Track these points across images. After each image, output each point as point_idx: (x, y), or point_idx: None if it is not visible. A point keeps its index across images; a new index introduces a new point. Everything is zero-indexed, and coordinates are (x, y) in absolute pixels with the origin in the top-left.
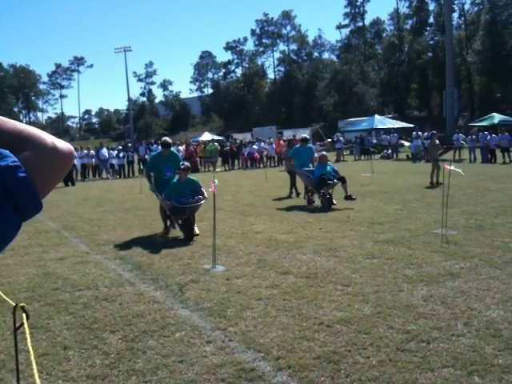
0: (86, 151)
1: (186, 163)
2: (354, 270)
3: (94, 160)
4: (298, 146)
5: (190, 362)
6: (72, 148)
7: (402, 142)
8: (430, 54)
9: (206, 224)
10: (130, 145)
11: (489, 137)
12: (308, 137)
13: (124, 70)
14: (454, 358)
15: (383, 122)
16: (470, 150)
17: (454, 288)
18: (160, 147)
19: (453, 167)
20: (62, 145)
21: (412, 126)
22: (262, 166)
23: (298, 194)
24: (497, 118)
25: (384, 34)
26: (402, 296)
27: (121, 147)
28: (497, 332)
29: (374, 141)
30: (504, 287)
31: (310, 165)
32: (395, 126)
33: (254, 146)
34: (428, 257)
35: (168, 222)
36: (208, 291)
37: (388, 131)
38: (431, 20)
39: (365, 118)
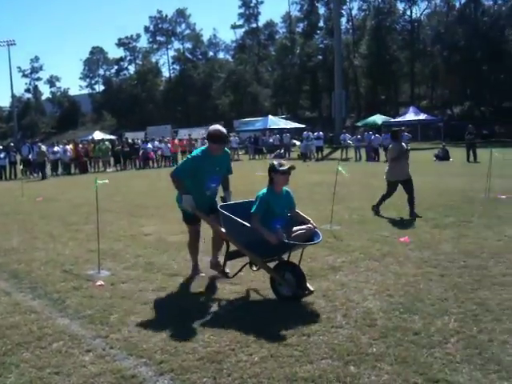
0: None
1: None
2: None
3: None
4: None
5: (66, 373)
6: None
7: (294, 141)
8: (320, 57)
9: (92, 227)
10: (12, 144)
11: (373, 137)
12: None
13: (7, 65)
14: (332, 349)
15: (277, 122)
16: (355, 149)
17: (335, 281)
18: (207, 142)
19: (340, 168)
20: None
21: (304, 126)
22: (156, 165)
23: (377, 211)
24: (379, 119)
25: (277, 36)
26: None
27: (1, 147)
28: (372, 322)
29: (271, 140)
30: (381, 279)
31: None
32: (288, 127)
33: (149, 145)
34: (313, 252)
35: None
36: (90, 298)
37: (281, 131)
38: (321, 24)
39: (259, 118)
